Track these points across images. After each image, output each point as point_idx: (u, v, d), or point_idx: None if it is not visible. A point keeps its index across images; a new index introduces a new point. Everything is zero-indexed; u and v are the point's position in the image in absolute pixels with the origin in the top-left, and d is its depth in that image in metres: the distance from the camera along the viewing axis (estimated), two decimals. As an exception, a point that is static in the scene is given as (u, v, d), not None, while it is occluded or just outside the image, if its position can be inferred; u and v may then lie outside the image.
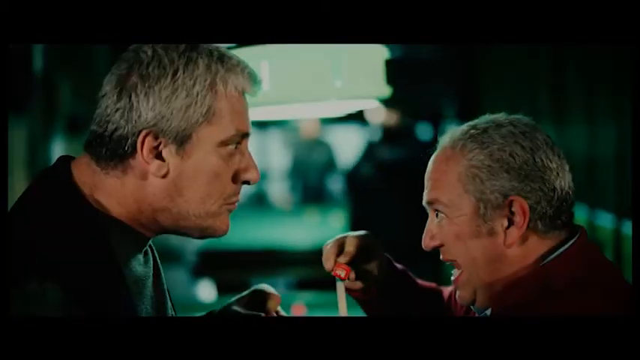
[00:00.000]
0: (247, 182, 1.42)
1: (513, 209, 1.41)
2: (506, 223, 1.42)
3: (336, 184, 7.95)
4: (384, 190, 5.76)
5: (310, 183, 7.94)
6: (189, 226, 1.39)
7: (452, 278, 1.51)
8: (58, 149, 5.64)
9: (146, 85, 1.33)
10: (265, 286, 1.63)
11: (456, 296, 1.51)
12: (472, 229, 1.43)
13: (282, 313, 1.61)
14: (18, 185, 4.83)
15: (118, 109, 1.34)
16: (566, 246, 1.43)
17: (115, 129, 1.34)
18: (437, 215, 1.49)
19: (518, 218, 1.41)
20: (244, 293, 1.63)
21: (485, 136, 1.44)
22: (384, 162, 5.89)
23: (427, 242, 1.50)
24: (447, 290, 1.77)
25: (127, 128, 1.33)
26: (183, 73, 1.34)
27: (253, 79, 1.40)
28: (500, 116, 1.49)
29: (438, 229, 1.48)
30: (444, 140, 1.51)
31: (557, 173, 1.43)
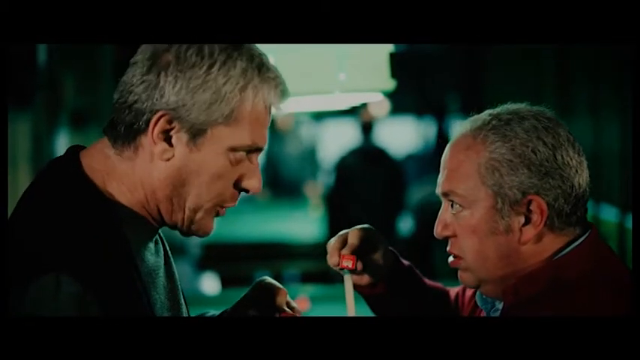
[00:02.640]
0: (247, 191, 1.40)
1: (531, 207, 1.40)
2: (522, 221, 1.40)
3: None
4: (364, 180, 5.80)
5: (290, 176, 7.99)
6: (182, 218, 1.37)
7: (450, 260, 1.49)
8: (62, 143, 5.65)
9: (178, 68, 1.31)
10: (269, 280, 1.62)
11: (458, 276, 1.50)
12: (489, 225, 1.41)
13: (293, 304, 1.60)
14: (22, 180, 4.83)
15: (143, 82, 1.32)
16: (578, 242, 1.42)
17: (135, 101, 1.32)
18: (452, 206, 1.46)
19: (535, 217, 1.40)
20: (249, 291, 1.61)
21: (508, 128, 1.41)
22: (364, 152, 5.92)
23: (439, 231, 1.48)
24: (453, 291, 1.76)
25: (146, 104, 1.31)
26: (219, 69, 1.31)
27: (284, 96, 1.38)
28: (523, 108, 1.46)
29: (453, 220, 1.46)
30: (465, 127, 1.47)
31: (576, 170, 1.41)
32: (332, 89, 1.93)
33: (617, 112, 4.32)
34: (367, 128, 5.92)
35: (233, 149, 1.35)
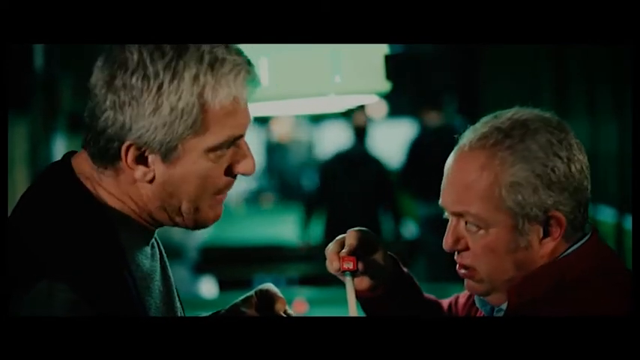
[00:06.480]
0: (243, 174, 1.38)
1: (550, 221, 1.40)
2: (541, 235, 1.41)
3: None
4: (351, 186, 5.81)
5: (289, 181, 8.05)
6: (183, 221, 1.37)
7: (461, 272, 1.47)
8: (59, 147, 5.65)
9: (129, 95, 1.28)
10: (270, 287, 1.60)
11: (466, 286, 1.48)
12: (509, 245, 1.41)
13: (291, 312, 1.59)
14: (20, 183, 4.83)
15: (104, 110, 1.30)
16: (582, 242, 1.44)
17: (104, 128, 1.31)
18: (466, 223, 1.44)
19: (554, 230, 1.41)
20: (249, 294, 1.60)
21: (524, 147, 1.40)
22: (351, 158, 5.93)
23: (451, 245, 1.46)
24: (445, 302, 1.76)
25: (112, 134, 1.30)
26: (169, 86, 1.28)
27: (250, 82, 1.34)
28: (529, 115, 1.44)
29: (467, 235, 1.44)
30: (472, 142, 1.43)
31: (586, 176, 1.44)
32: (327, 92, 1.92)
33: (614, 113, 4.32)
34: (359, 132, 5.92)
35: (210, 150, 1.32)
